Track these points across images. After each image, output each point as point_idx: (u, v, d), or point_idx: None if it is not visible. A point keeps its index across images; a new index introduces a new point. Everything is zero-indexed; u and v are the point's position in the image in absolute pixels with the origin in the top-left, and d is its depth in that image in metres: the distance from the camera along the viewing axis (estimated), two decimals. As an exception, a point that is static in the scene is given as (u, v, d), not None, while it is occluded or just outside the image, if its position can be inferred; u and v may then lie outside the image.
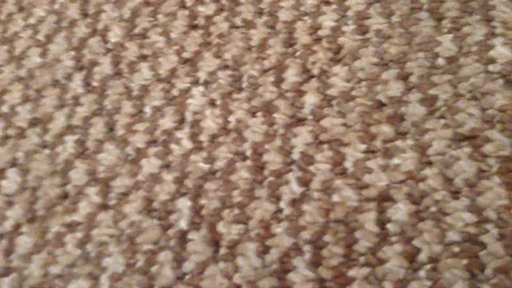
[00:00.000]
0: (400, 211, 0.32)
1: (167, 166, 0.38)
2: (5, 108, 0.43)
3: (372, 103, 0.36)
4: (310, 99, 0.38)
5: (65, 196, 0.38)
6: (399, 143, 0.34)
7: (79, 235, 0.36)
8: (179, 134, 0.39)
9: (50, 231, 0.37)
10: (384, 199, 0.33)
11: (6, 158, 0.40)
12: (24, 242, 0.36)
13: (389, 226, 0.32)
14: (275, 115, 0.38)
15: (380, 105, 0.36)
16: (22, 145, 0.41)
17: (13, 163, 0.40)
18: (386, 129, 0.35)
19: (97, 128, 0.40)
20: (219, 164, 0.37)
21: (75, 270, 0.35)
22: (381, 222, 0.32)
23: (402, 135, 0.35)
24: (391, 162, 0.34)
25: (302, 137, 0.36)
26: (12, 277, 0.35)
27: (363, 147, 0.35)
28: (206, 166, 0.37)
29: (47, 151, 0.41)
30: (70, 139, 0.40)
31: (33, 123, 0.42)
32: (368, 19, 0.40)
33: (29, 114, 0.42)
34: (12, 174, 0.39)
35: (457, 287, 0.29)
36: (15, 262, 0.35)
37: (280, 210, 0.34)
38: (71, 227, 0.37)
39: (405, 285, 0.30)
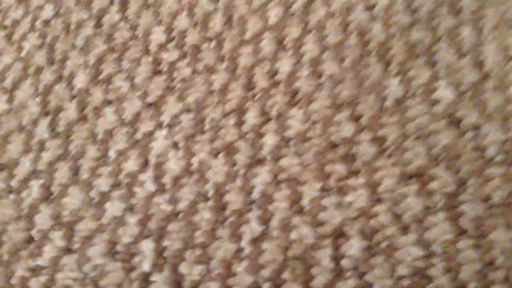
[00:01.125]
0: (353, 247, 0.34)
1: (130, 209, 0.39)
2: (-30, 155, 0.44)
3: (326, 143, 0.38)
4: (269, 141, 0.39)
5: (29, 240, 0.39)
6: (351, 181, 0.36)
7: (43, 279, 0.37)
8: (142, 177, 0.40)
9: (15, 276, 0.37)
10: (339, 235, 0.34)
11: (-30, 204, 0.41)
12: (-13, 288, 0.36)
13: (343, 262, 0.34)
14: (236, 156, 0.39)
15: (334, 145, 0.38)
16: (-13, 191, 0.41)
17: (-23, 209, 0.40)
18: (339, 168, 0.37)
19: (62, 173, 0.41)
20: (182, 205, 0.38)
21: (39, 315, 0.35)
22: (336, 258, 0.34)
23: (354, 173, 0.37)
24: (345, 199, 0.36)
25: (261, 177, 0.38)
26: (-26, 325, 0.35)
27: (318, 185, 0.37)
28: (169, 208, 0.38)
29: (12, 196, 0.41)
30: (35, 184, 0.41)
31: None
32: (321, 65, 0.42)
33: (-6, 160, 0.43)
34: (-24, 220, 0.40)
35: (407, 319, 0.31)
36: (-22, 310, 0.36)
37: (241, 249, 0.35)
38: (36, 271, 0.37)
39: (359, 319, 0.32)
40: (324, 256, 0.34)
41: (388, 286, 0.32)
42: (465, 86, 0.39)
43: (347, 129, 0.39)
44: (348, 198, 0.36)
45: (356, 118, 0.39)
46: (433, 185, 0.35)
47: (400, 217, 0.34)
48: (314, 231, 0.35)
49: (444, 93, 0.39)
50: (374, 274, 0.33)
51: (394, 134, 0.38)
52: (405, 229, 0.34)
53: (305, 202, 0.36)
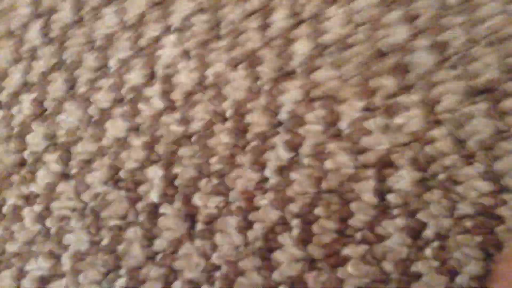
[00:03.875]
0: (403, 179, 0.28)
1: (135, 129, 0.33)
2: (-49, 64, 0.38)
3: (372, 52, 0.31)
4: (300, 48, 0.32)
5: (22, 163, 0.34)
6: (402, 98, 0.29)
7: (37, 208, 0.32)
8: (148, 92, 0.34)
9: (6, 204, 0.32)
10: (385, 165, 0.28)
11: (-47, 122, 0.35)
12: (-25, 218, 0.32)
13: (390, 197, 0.28)
14: (259, 68, 0.32)
15: (382, 54, 0.31)
16: (-29, 107, 0.36)
17: (-38, 128, 0.35)
18: (388, 83, 0.30)
19: (56, 85, 0.35)
20: (195, 126, 0.32)
21: (34, 248, 0.31)
22: (381, 192, 0.28)
23: (406, 89, 0.30)
24: (393, 121, 0.29)
25: (290, 93, 0.31)
26: (-39, 259, 0.31)
27: (360, 104, 0.30)
28: (179, 129, 0.32)
29: (1, 112, 0.36)
30: (26, 99, 0.35)
31: (-15, 80, 0.37)
32: (367, -49, 0.33)
33: (-21, 71, 0.37)
34: (-40, 140, 0.35)
35: (469, 268, 0.25)
36: (-36, 242, 0.31)
37: (265, 179, 0.30)
38: (29, 199, 0.32)
39: (408, 265, 0.26)
40: (366, 189, 0.28)
41: (446, 227, 0.26)
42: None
43: (399, 33, 0.31)
44: (398, 120, 0.29)
45: (411, 19, 0.31)
46: (507, 103, 0.28)
47: (463, 143, 0.28)
48: (354, 159, 0.29)
49: (524, -13, 0.31)
50: (428, 213, 0.27)
51: (458, 39, 0.30)
52: (469, 158, 0.27)
53: (343, 124, 0.30)
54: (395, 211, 0.27)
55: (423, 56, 0.30)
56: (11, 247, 0.31)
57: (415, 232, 0.26)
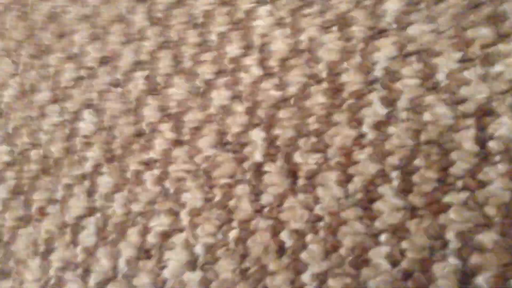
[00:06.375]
0: (504, 126, 0.27)
1: (237, 97, 0.35)
2: (75, 49, 0.42)
3: (466, 3, 0.31)
4: (392, 6, 0.33)
5: (140, 133, 0.38)
6: (501, 47, 0.29)
7: (156, 172, 0.36)
8: (247, 61, 0.36)
9: (129, 170, 0.37)
10: (485, 113, 0.28)
11: (81, 100, 0.40)
12: (105, 181, 0.37)
13: (491, 144, 0.28)
14: (352, 28, 0.33)
15: (475, 5, 0.30)
16: (95, 85, 0.40)
17: (88, 104, 0.40)
18: (485, 32, 0.30)
19: (165, 62, 0.39)
20: (292, 89, 0.34)
21: (156, 207, 0.35)
22: (482, 140, 0.28)
23: (504, 37, 0.29)
24: (493, 70, 0.29)
25: (385, 50, 0.32)
26: (97, 217, 0.36)
27: (458, 55, 0.30)
28: (278, 93, 0.34)
29: (119, 89, 0.40)
30: (140, 76, 0.39)
31: (103, 61, 0.41)
32: None
33: (98, 53, 0.41)
34: (88, 115, 0.39)
35: None
36: (98, 202, 0.36)
37: (362, 135, 0.31)
38: (149, 164, 0.36)
39: (511, 209, 0.26)
40: (467, 138, 0.28)
41: (553, 172, 0.26)
42: None
43: (495, -19, 0.30)
44: (497, 68, 0.29)
45: (507, -33, 0.30)
46: None
47: None
48: (453, 110, 0.29)
49: None
50: (533, 158, 0.26)
51: (562, -20, 0.29)
52: None
53: (441, 76, 0.30)
54: (497, 158, 0.27)
55: (523, 3, 0.29)
56: (136, 207, 0.36)
57: (519, 178, 0.26)
